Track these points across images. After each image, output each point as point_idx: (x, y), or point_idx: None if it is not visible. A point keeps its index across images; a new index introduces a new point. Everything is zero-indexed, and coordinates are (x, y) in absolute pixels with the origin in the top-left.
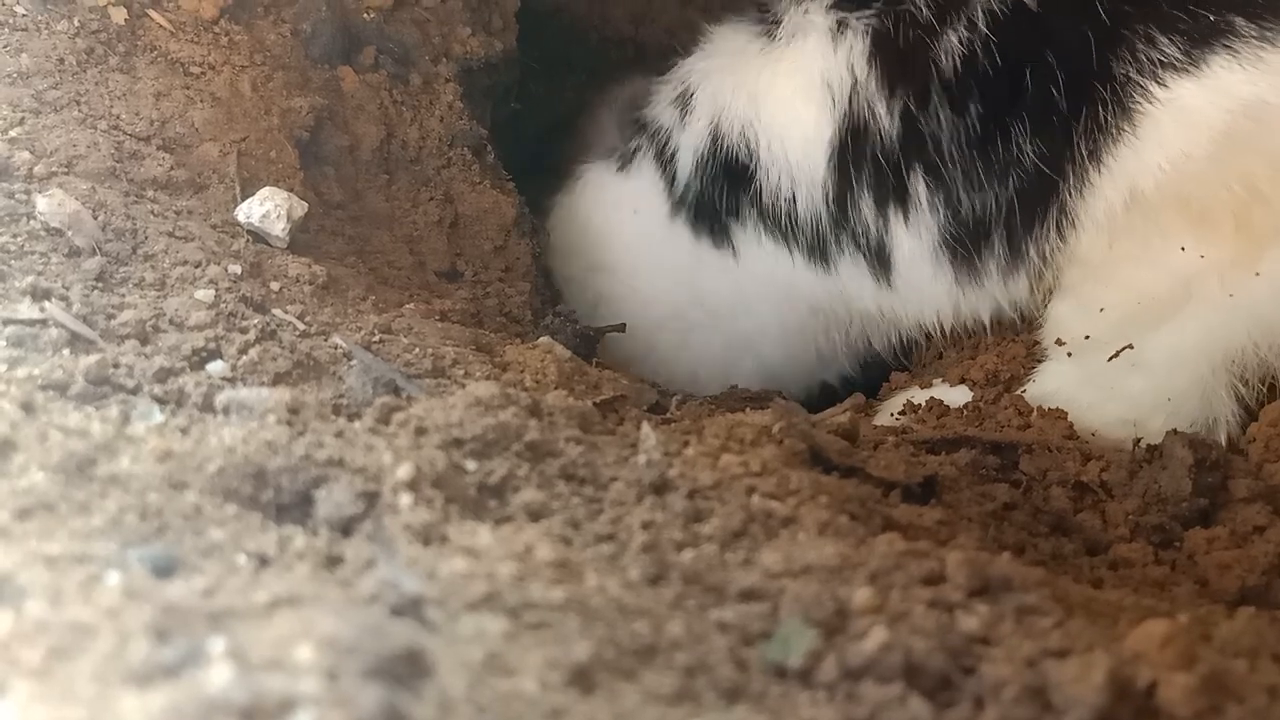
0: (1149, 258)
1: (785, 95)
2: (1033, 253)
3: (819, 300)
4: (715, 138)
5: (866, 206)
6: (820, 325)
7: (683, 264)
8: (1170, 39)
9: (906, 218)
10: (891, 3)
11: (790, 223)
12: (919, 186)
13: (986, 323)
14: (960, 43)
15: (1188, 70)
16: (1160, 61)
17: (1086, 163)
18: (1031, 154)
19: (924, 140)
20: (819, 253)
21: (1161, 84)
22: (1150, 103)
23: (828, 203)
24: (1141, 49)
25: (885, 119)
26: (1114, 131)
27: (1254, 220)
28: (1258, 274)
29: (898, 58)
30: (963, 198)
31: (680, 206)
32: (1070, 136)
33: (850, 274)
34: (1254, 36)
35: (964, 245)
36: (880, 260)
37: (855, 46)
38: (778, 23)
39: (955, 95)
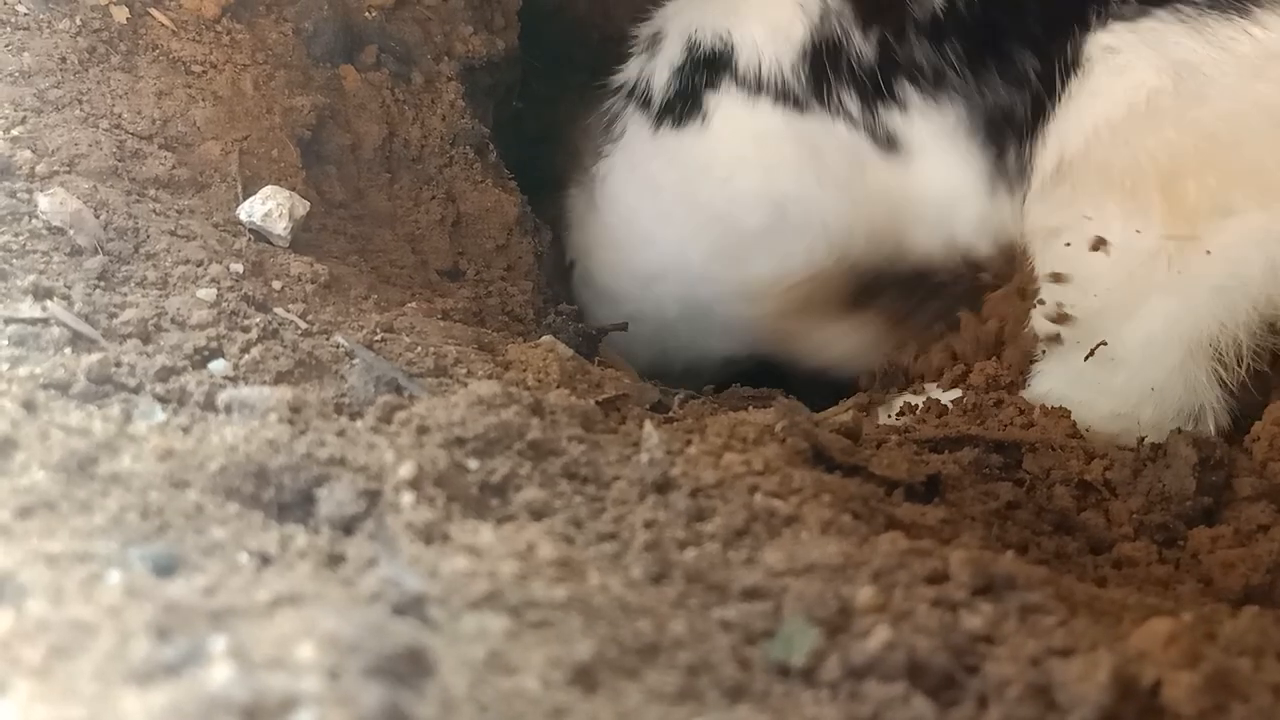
0: (1081, 234)
1: (758, 5)
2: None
3: (798, 138)
4: (690, 48)
5: (847, 95)
6: (828, 164)
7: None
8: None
9: (904, 110)
10: None
11: (756, 78)
12: (908, 92)
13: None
14: None
15: (1132, 31)
16: (1115, 12)
17: (1036, 120)
18: (1018, 85)
19: (903, 63)
20: (790, 100)
21: (1107, 30)
22: (1092, 64)
23: (799, 77)
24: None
25: (860, 43)
26: (1062, 89)
27: (1185, 194)
28: (1208, 252)
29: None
30: (972, 94)
31: (664, 114)
32: (1036, 92)
33: (842, 129)
34: (1205, 2)
35: (992, 138)
36: (878, 136)
37: None
38: None
39: (933, 33)
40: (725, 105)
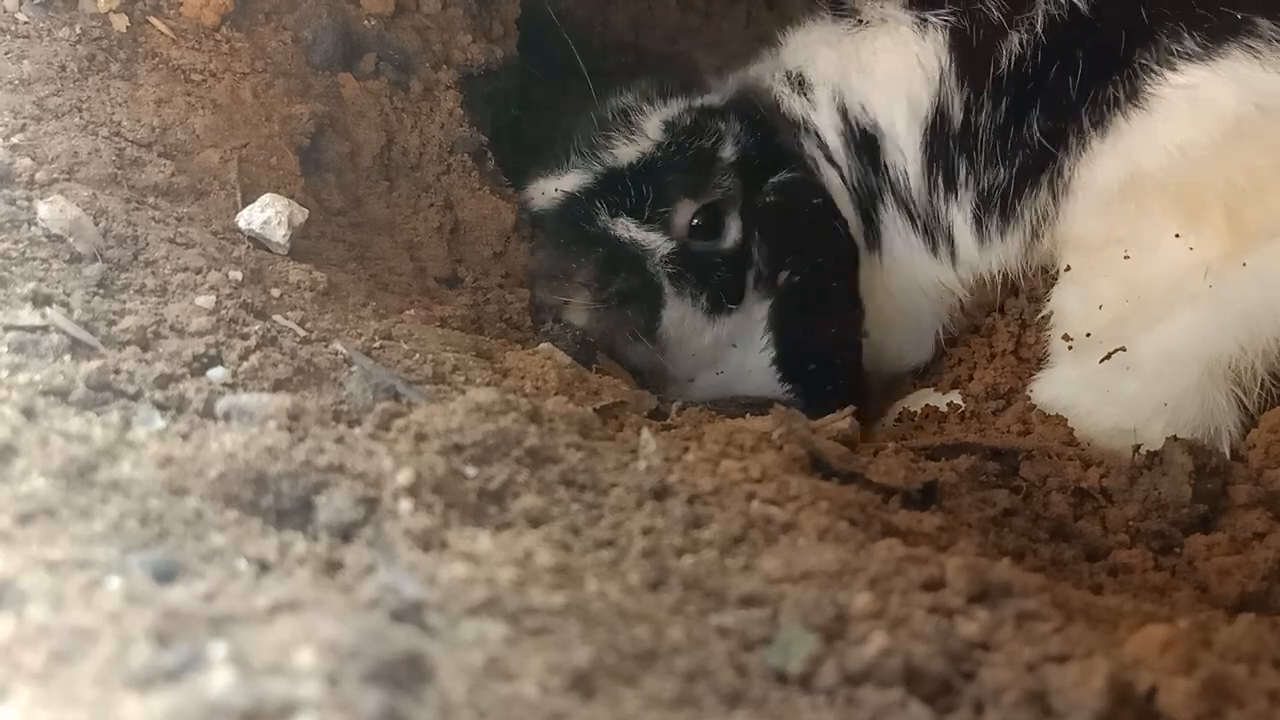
0: (1140, 247)
1: (891, 68)
2: (1026, 214)
3: (930, 283)
4: (843, 112)
5: (939, 190)
6: (935, 308)
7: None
8: (1192, 34)
9: (956, 198)
10: (964, 3)
11: (914, 205)
12: (963, 170)
13: (997, 279)
14: (1020, 44)
15: (1204, 60)
16: (1178, 51)
17: (1090, 131)
18: (1038, 131)
19: (971, 129)
20: (931, 235)
21: (1175, 70)
22: (1165, 85)
23: (926, 182)
24: (1166, 41)
25: (958, 109)
26: (1124, 106)
27: (1245, 215)
28: (1244, 265)
29: (970, 54)
30: (984, 176)
31: (854, 197)
32: (1078, 109)
33: (941, 256)
34: (1275, 36)
35: (981, 214)
36: (948, 242)
37: (938, 38)
38: (858, 12)
39: (1000, 90)
40: (897, 244)
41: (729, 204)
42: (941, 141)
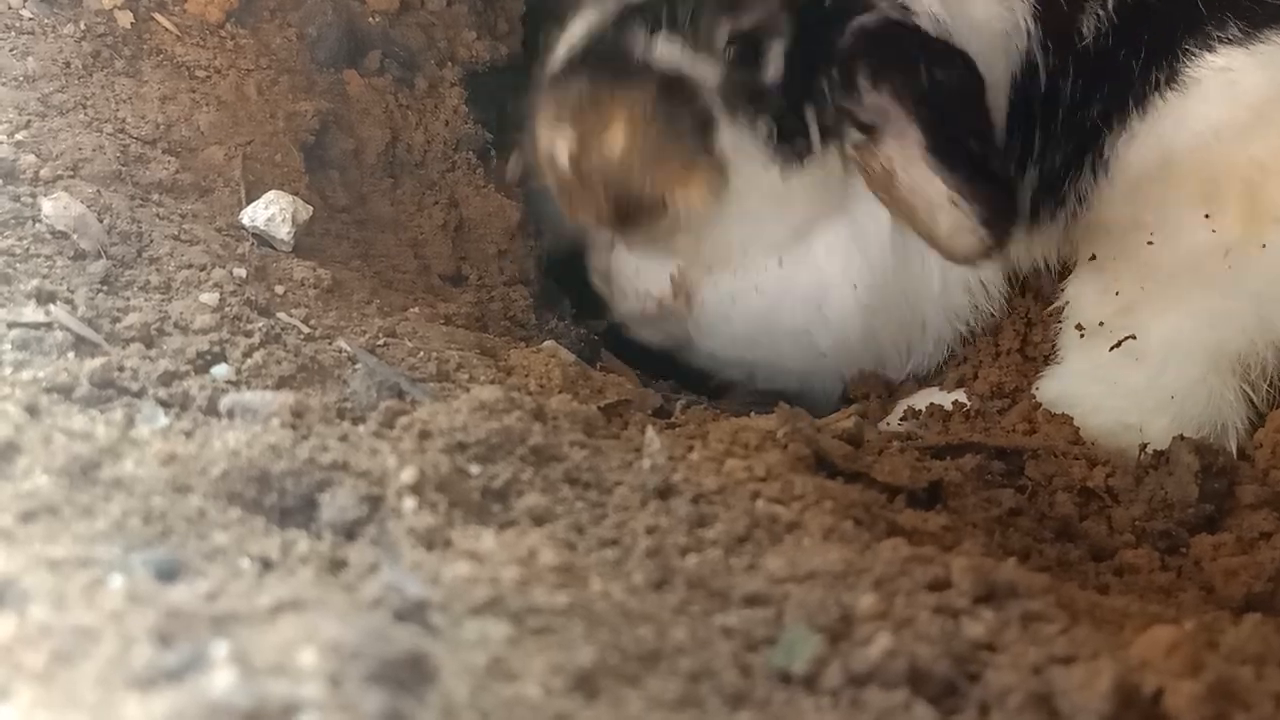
0: (1164, 232)
1: (988, 14)
2: (1069, 196)
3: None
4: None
5: (1011, 166)
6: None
7: None
8: (1237, 21)
9: (1025, 171)
10: None
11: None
12: (1038, 144)
13: (1031, 267)
14: (1097, 19)
15: (1243, 44)
16: (1220, 36)
17: (1134, 112)
18: (1095, 111)
19: (1053, 101)
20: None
21: (1214, 53)
22: (1203, 68)
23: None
24: (1210, 28)
25: (1044, 77)
26: (1162, 88)
27: (1267, 197)
28: (1263, 246)
29: (1055, 21)
30: (1050, 153)
31: None
32: (1127, 91)
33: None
34: None
35: (1040, 194)
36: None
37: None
38: None
39: (1081, 64)
40: None
41: (771, 34)
42: (1025, 109)
